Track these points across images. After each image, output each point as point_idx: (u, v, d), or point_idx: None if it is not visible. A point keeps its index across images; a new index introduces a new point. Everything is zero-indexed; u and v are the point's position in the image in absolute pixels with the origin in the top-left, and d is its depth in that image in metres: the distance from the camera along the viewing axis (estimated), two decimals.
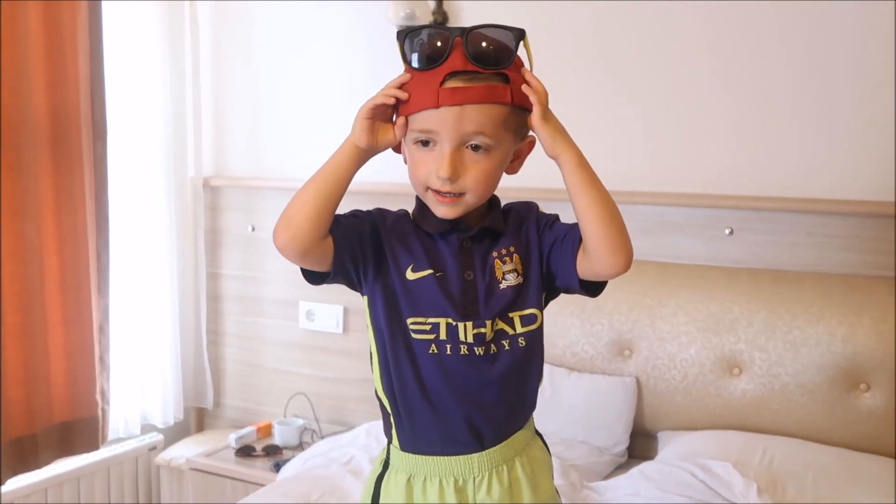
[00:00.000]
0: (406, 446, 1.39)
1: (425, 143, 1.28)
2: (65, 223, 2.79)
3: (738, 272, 2.57)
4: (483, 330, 1.32)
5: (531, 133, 1.33)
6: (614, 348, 2.65)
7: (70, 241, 2.80)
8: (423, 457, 1.37)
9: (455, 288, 1.33)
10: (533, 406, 1.44)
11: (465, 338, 1.32)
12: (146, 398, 3.28)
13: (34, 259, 2.71)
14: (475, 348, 1.32)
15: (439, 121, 1.24)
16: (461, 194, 1.28)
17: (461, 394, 1.33)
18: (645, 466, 2.31)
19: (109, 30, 2.94)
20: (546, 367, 2.68)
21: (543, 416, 2.62)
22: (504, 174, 1.35)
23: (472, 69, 1.23)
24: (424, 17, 2.78)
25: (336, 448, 2.64)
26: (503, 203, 1.41)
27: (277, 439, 3.12)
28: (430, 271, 1.33)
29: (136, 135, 3.17)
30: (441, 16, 2.92)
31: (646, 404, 2.62)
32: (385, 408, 1.40)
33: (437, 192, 1.29)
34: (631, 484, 2.23)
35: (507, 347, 1.34)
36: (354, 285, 1.37)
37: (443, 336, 1.32)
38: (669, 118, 2.70)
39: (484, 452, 1.36)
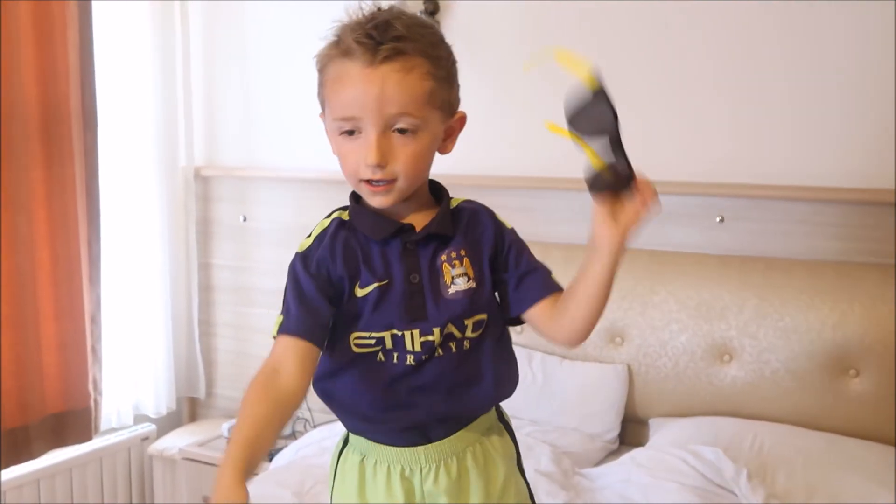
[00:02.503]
0: (355, 430, 1.38)
1: (350, 133, 1.22)
2: (56, 214, 2.78)
3: (729, 260, 2.57)
4: (431, 338, 1.27)
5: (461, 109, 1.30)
6: (606, 336, 2.66)
7: (61, 232, 2.80)
8: (371, 442, 1.35)
9: (399, 294, 1.27)
10: (488, 406, 1.39)
11: (413, 347, 1.27)
12: (138, 388, 3.28)
13: (25, 250, 2.70)
14: (423, 356, 1.28)
15: (360, 106, 1.19)
16: (393, 181, 1.23)
17: (405, 402, 1.30)
18: (636, 453, 2.32)
19: (99, 20, 2.92)
20: (538, 355, 2.71)
21: (535, 404, 2.64)
22: (437, 154, 1.30)
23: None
24: (415, 7, 2.77)
25: (329, 437, 2.64)
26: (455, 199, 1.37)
27: None
28: (375, 285, 1.27)
29: (126, 125, 3.16)
30: (432, 4, 2.91)
31: (637, 391, 2.63)
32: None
33: (369, 181, 1.23)
34: (622, 470, 2.24)
35: (453, 350, 1.29)
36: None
37: (388, 346, 1.28)
38: (661, 106, 2.70)
39: (431, 445, 1.32)
